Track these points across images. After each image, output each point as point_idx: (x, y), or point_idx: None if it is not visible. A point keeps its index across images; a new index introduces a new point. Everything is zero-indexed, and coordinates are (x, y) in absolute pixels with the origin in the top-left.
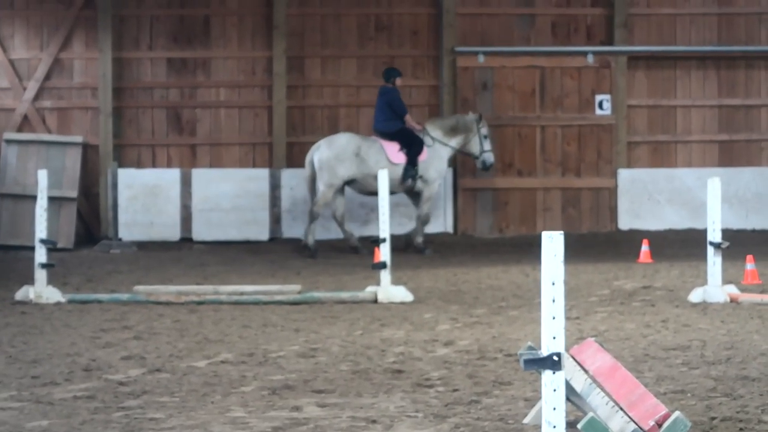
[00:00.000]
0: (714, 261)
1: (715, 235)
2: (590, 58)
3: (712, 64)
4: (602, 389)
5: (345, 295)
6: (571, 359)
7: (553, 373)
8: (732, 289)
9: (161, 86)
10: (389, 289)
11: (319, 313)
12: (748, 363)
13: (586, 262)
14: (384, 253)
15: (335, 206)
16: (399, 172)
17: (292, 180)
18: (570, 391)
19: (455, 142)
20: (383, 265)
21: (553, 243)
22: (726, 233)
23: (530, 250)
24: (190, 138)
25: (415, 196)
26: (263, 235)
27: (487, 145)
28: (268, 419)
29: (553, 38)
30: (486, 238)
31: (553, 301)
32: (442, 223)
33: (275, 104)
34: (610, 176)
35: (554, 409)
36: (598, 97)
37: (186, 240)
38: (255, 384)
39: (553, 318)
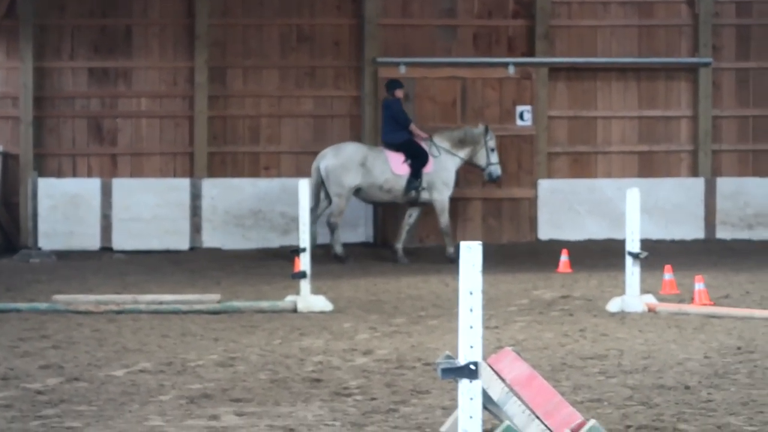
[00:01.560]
0: (632, 271)
1: (633, 246)
2: (511, 70)
3: (633, 76)
4: (519, 398)
5: (264, 304)
6: (488, 368)
7: (470, 381)
8: (650, 299)
9: (82, 96)
10: (309, 299)
11: (239, 323)
12: (664, 372)
13: (506, 272)
14: (304, 262)
15: (321, 210)
16: (402, 183)
17: (213, 190)
18: (487, 399)
19: (463, 153)
20: (303, 275)
21: (471, 253)
22: (645, 243)
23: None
24: (111, 148)
25: (416, 206)
26: (183, 244)
27: (494, 158)
28: (186, 428)
29: (474, 49)
30: (406, 248)
31: (471, 310)
32: (362, 232)
33: (197, 114)
34: (530, 187)
35: (471, 417)
36: (519, 108)
37: (106, 249)
38: (173, 393)
39: (471, 327)
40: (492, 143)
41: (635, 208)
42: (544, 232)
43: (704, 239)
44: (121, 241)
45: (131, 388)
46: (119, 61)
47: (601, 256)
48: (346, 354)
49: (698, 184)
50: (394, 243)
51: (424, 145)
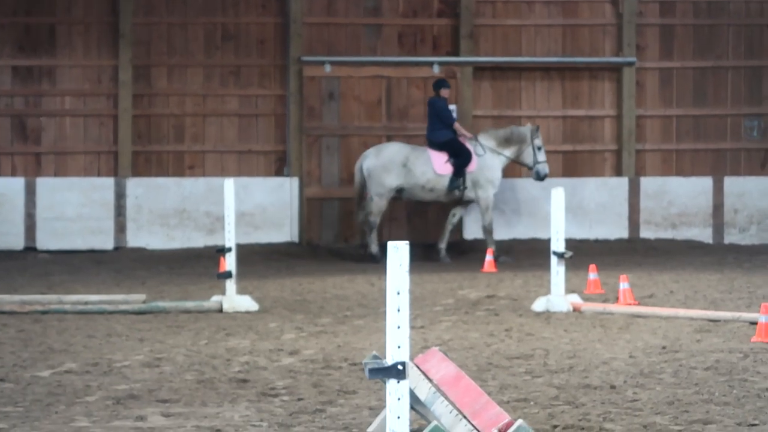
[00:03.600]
0: (557, 271)
1: (558, 245)
2: (436, 69)
3: (557, 75)
4: (446, 398)
5: (190, 304)
6: (415, 368)
7: (398, 382)
8: (575, 299)
9: (6, 94)
10: (234, 299)
11: (165, 323)
12: (590, 371)
13: (432, 272)
14: (229, 262)
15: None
16: (445, 182)
17: (138, 189)
18: (414, 399)
19: (509, 152)
20: (228, 275)
21: (398, 253)
22: (569, 243)
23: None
24: (34, 147)
25: (460, 206)
26: (108, 244)
27: (541, 156)
28: (113, 429)
29: (399, 48)
30: (332, 247)
31: (398, 310)
32: (287, 232)
33: (121, 113)
34: None
35: (398, 417)
36: None
37: (30, 249)
38: (99, 394)
39: (398, 327)
40: (539, 142)
41: (560, 208)
42: (470, 232)
43: (628, 239)
44: (45, 241)
45: (57, 389)
46: (43, 60)
47: (526, 255)
48: (272, 354)
49: (622, 183)
50: (438, 242)
51: (469, 144)
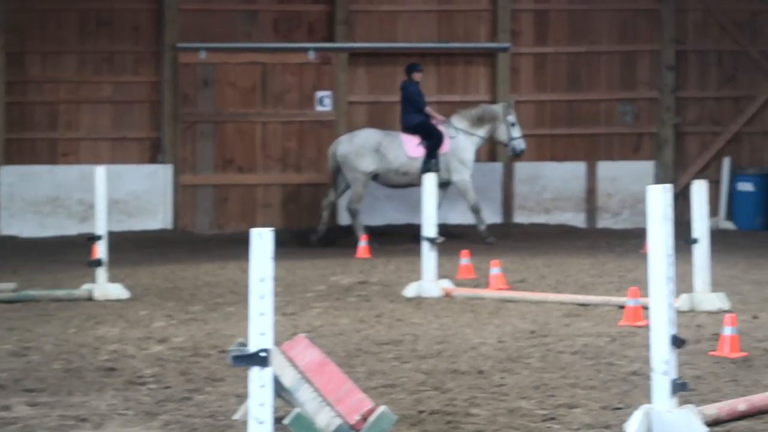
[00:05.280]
0: (428, 256)
1: (430, 231)
2: (311, 55)
3: (432, 61)
4: (311, 384)
5: (60, 293)
6: (281, 355)
7: (261, 369)
8: (446, 284)
9: None
10: (105, 287)
11: (34, 312)
12: (458, 357)
13: (305, 258)
14: (100, 250)
15: (330, 197)
16: (418, 165)
17: (10, 177)
18: (280, 386)
19: (483, 131)
20: (99, 263)
21: (262, 240)
22: (444, 228)
23: (249, 246)
24: None
25: (444, 187)
26: None
27: (516, 132)
28: None
29: (274, 35)
30: (205, 234)
31: (262, 297)
32: (161, 219)
33: None
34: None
35: (261, 405)
36: (319, 94)
37: None
38: None
39: (262, 314)
40: (512, 118)
41: (432, 194)
42: (344, 218)
43: (502, 223)
44: None
45: None
46: None
47: (399, 241)
48: (141, 342)
49: (496, 168)
50: (478, 229)
51: (441, 126)
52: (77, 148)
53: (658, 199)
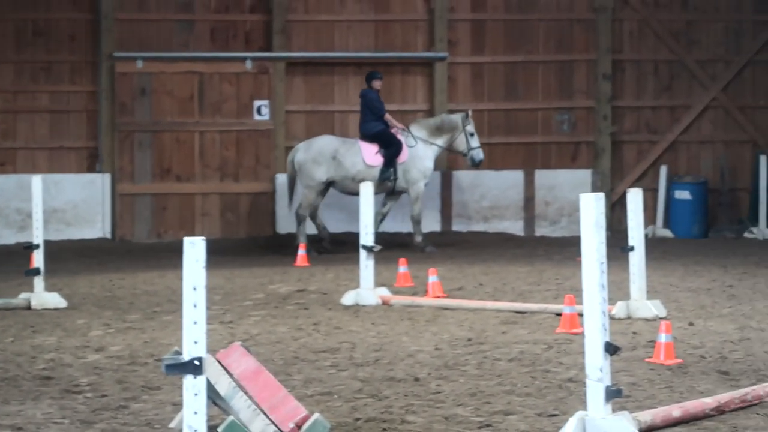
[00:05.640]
0: (366, 264)
1: (367, 239)
2: (249, 64)
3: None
4: (246, 393)
5: None
6: (216, 363)
7: (195, 377)
8: (384, 292)
9: None
10: (43, 296)
11: None
12: (395, 364)
13: (243, 267)
14: (38, 259)
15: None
16: (376, 173)
17: None
18: (215, 395)
19: (441, 141)
20: (36, 272)
21: (194, 249)
22: (381, 236)
23: None
24: None
25: (393, 196)
26: None
27: (475, 142)
28: None
29: (212, 44)
30: (144, 243)
31: (195, 306)
32: (100, 228)
33: None
34: (268, 181)
35: (195, 413)
36: (257, 103)
37: None
38: None
39: (195, 323)
40: (470, 128)
41: (369, 202)
42: (283, 226)
43: (440, 231)
44: None
45: None
46: None
47: (339, 249)
48: (78, 351)
49: (435, 176)
50: (414, 239)
51: (400, 135)
52: (14, 157)
53: (591, 207)
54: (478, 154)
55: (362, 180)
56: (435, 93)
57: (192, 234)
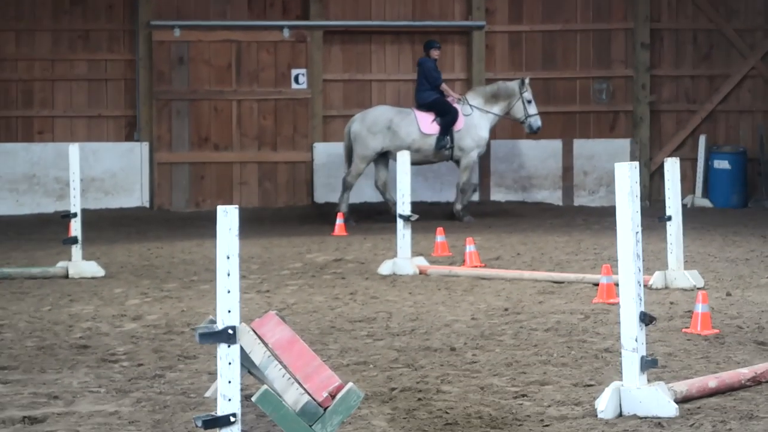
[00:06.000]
0: (403, 234)
1: (404, 208)
2: (286, 33)
3: (407, 39)
4: (280, 362)
5: (35, 270)
6: (251, 332)
7: (228, 346)
8: (421, 261)
9: None
10: (80, 264)
11: (9, 289)
12: (431, 334)
13: (281, 236)
14: (75, 228)
15: (377, 176)
16: (432, 142)
17: None
18: (250, 364)
19: (498, 108)
20: (74, 240)
21: (227, 217)
22: (419, 206)
23: None
24: None
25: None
26: None
27: (532, 109)
28: None
29: (249, 13)
30: (182, 212)
31: (228, 274)
32: (138, 197)
33: None
34: (306, 150)
35: (229, 382)
36: (294, 72)
37: None
38: None
39: (228, 292)
40: (528, 95)
41: (406, 171)
42: (321, 196)
43: (479, 201)
44: None
45: None
46: None
47: (377, 218)
48: (115, 320)
49: None
50: (453, 206)
51: (456, 104)
52: (52, 126)
53: (626, 176)
54: (536, 122)
55: (418, 149)
56: (473, 62)
57: (230, 203)
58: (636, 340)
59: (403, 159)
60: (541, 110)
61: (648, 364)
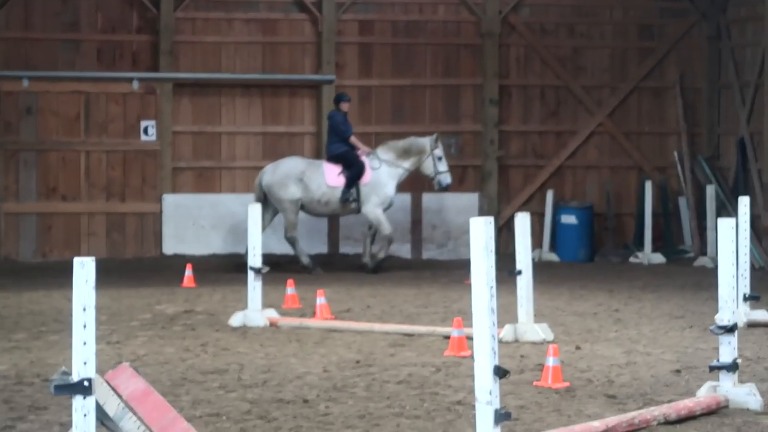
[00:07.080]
0: (254, 285)
1: (255, 260)
2: (135, 84)
3: (257, 92)
4: (135, 414)
5: None
6: (105, 384)
7: (84, 398)
8: (272, 313)
9: None
10: None
11: None
12: (283, 386)
13: (130, 287)
14: None
15: (265, 222)
16: (338, 194)
17: None
18: (104, 416)
19: (408, 163)
20: None
21: (84, 269)
22: (271, 258)
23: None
24: None
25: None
26: None
27: (442, 166)
28: None
29: (98, 64)
30: (30, 262)
31: (85, 326)
32: None
33: None
34: (155, 201)
35: None
36: (144, 123)
37: None
38: None
39: (85, 344)
40: (439, 152)
41: (256, 224)
42: (169, 247)
43: (328, 253)
44: None
45: None
46: None
47: (225, 270)
48: None
49: None
50: (362, 258)
51: (365, 157)
52: None
53: (481, 231)
54: (446, 179)
55: (327, 202)
56: (322, 115)
57: (78, 254)
58: (490, 393)
59: (254, 212)
60: None
61: (502, 417)
